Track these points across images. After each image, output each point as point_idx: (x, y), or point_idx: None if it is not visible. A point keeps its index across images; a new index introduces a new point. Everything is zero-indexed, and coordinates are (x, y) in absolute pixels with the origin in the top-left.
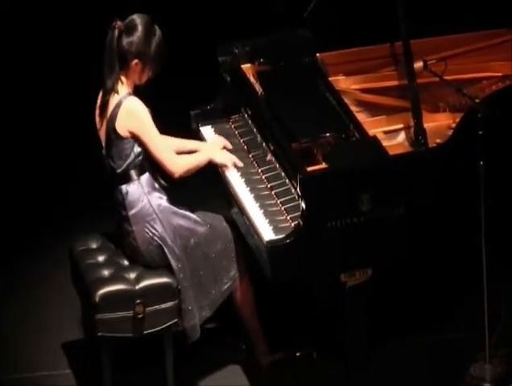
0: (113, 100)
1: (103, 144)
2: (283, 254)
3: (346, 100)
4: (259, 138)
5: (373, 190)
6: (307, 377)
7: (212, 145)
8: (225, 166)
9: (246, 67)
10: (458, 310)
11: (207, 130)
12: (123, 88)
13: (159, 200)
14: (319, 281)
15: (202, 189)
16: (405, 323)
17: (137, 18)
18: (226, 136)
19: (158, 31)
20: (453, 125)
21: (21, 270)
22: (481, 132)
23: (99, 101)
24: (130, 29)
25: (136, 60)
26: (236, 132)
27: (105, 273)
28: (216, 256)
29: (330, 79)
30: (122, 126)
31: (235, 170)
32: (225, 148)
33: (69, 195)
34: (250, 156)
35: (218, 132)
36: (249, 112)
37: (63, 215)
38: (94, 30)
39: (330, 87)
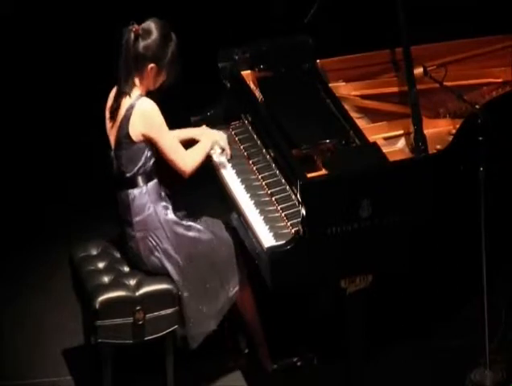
0: (125, 103)
1: (112, 145)
2: (283, 260)
3: (346, 107)
4: (259, 145)
5: (373, 197)
6: (307, 382)
7: (206, 129)
8: (225, 148)
9: (246, 73)
10: (459, 316)
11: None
12: (136, 90)
13: (165, 210)
14: (319, 287)
15: (201, 194)
16: (406, 329)
17: (154, 23)
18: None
19: (174, 37)
20: (453, 131)
21: (21, 275)
22: (481, 138)
23: (110, 103)
24: (146, 33)
25: (152, 64)
26: (236, 138)
27: (105, 279)
28: (222, 263)
29: (330, 85)
30: (136, 130)
31: (236, 177)
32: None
33: (69, 200)
34: (251, 162)
35: None
36: (250, 119)
37: (63, 219)
38: (94, 32)
39: (330, 93)
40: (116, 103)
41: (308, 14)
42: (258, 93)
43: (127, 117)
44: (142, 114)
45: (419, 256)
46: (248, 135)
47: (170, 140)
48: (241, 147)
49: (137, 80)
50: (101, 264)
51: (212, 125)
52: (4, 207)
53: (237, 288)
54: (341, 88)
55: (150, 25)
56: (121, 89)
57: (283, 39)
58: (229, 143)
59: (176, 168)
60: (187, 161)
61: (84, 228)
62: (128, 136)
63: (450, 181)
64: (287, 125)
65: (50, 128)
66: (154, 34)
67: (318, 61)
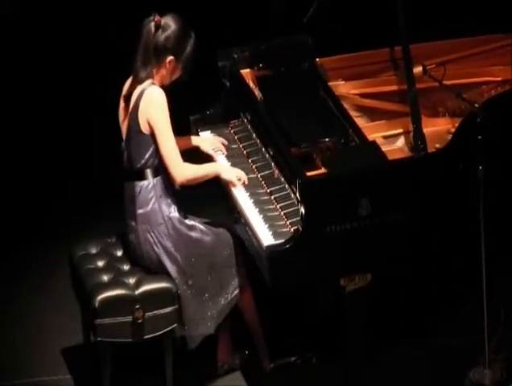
0: (136, 92)
1: (123, 136)
2: (283, 259)
3: (346, 105)
4: (259, 143)
5: (372, 195)
6: (306, 382)
7: (223, 162)
8: (233, 183)
9: (246, 72)
10: (458, 315)
11: (206, 135)
12: (149, 80)
13: (169, 207)
14: (318, 285)
15: (201, 193)
16: (405, 328)
17: (174, 17)
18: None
19: (193, 35)
20: (452, 130)
21: (21, 275)
22: (480, 137)
23: (124, 91)
24: (167, 25)
25: (171, 57)
26: (235, 137)
27: (105, 278)
28: (223, 264)
29: (329, 84)
30: (143, 117)
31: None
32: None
33: (69, 200)
34: (250, 161)
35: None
36: (249, 118)
37: (63, 219)
38: (95, 32)
39: (329, 92)
40: (129, 91)
41: (308, 13)
42: (257, 92)
43: (137, 105)
44: (149, 100)
45: (419, 255)
46: (247, 134)
47: (168, 137)
48: (241, 146)
49: (153, 71)
50: (100, 263)
51: (212, 123)
52: (4, 207)
53: (236, 291)
54: (341, 87)
55: (170, 18)
56: (136, 78)
57: (283, 37)
58: (228, 142)
59: (169, 170)
60: (182, 168)
61: (84, 228)
62: (137, 125)
63: (449, 180)
64: (287, 124)
65: (50, 128)
66: (174, 27)
67: (317, 60)
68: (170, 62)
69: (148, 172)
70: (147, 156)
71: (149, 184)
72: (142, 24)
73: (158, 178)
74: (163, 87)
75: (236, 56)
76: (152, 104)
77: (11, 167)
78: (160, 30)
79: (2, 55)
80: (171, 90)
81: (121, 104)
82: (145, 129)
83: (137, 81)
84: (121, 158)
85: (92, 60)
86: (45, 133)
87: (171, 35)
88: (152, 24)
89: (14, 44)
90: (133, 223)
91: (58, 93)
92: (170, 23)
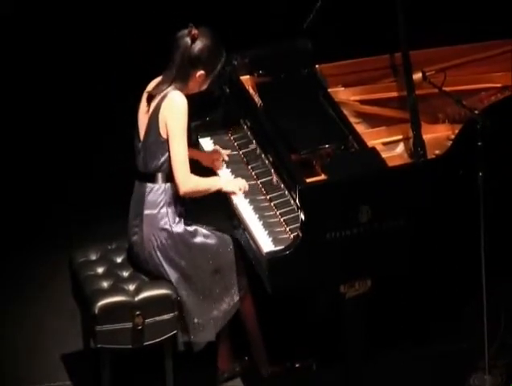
0: (160, 95)
1: (141, 137)
2: (282, 265)
3: (345, 112)
4: (258, 150)
5: (372, 202)
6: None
7: (226, 177)
8: (234, 193)
9: (245, 78)
10: (458, 319)
11: (206, 142)
12: (175, 87)
13: (175, 216)
14: (318, 292)
15: (202, 199)
16: (405, 332)
17: (209, 32)
18: (225, 147)
19: (224, 55)
20: (452, 137)
21: (21, 276)
22: (480, 143)
23: (150, 90)
24: (203, 39)
25: (201, 72)
26: (235, 143)
27: (105, 284)
28: (227, 266)
29: (329, 90)
30: (163, 120)
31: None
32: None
33: (69, 200)
34: (249, 167)
35: (217, 143)
36: (249, 124)
37: (63, 219)
38: (94, 32)
39: (329, 98)
40: (154, 92)
41: (307, 18)
42: (257, 98)
43: (158, 108)
44: (170, 104)
45: (419, 259)
46: (247, 140)
47: (181, 145)
48: (240, 152)
49: (183, 81)
50: (100, 269)
51: (212, 130)
52: (4, 208)
53: (240, 294)
54: (340, 93)
55: (206, 33)
56: (165, 82)
57: (282, 43)
58: (228, 148)
59: (175, 178)
60: (188, 178)
61: (84, 229)
62: (157, 129)
63: (449, 186)
64: (286, 130)
65: (50, 128)
66: (210, 43)
67: (317, 66)
68: (200, 76)
69: (160, 176)
70: (162, 160)
71: (159, 188)
72: (178, 35)
73: (170, 184)
74: (186, 96)
75: (235, 62)
76: (172, 109)
77: (11, 167)
78: (195, 43)
79: (2, 55)
80: None
81: (143, 102)
82: (164, 133)
83: (165, 85)
84: (135, 158)
85: (92, 60)
86: (45, 133)
87: (206, 50)
88: (188, 37)
89: (14, 44)
90: (137, 222)
91: (58, 93)
92: (206, 38)
